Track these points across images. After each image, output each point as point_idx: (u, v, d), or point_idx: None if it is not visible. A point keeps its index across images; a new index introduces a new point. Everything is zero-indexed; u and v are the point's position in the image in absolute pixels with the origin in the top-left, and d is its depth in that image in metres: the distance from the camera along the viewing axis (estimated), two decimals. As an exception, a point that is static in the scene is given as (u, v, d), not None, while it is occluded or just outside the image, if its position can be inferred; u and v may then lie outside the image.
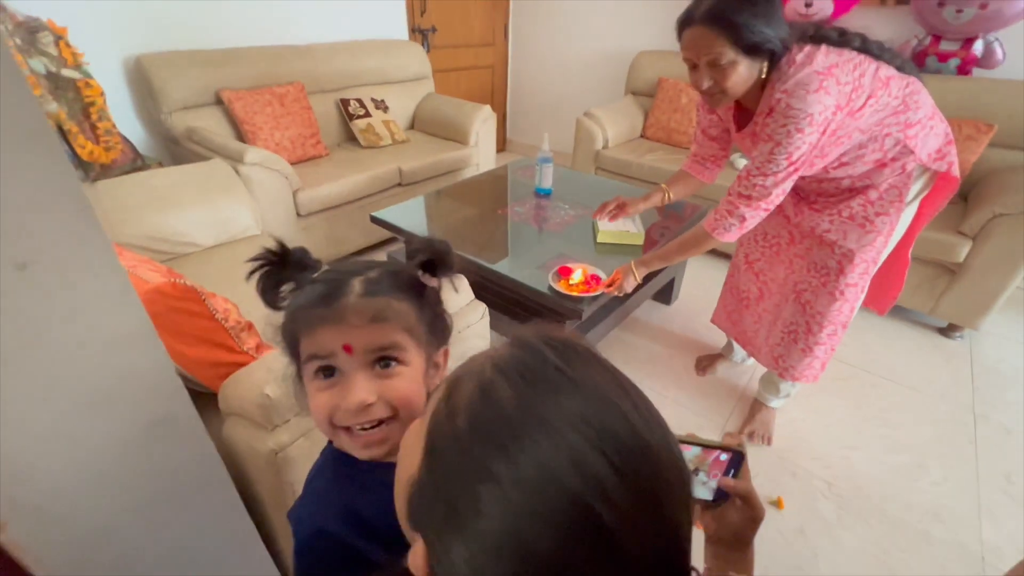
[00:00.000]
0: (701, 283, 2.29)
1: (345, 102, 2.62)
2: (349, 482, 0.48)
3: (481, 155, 2.80)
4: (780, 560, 1.22)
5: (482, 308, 1.07)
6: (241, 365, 0.86)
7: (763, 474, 1.42)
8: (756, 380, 1.68)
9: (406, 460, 0.33)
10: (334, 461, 0.51)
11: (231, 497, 0.62)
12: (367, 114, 2.63)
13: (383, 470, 0.45)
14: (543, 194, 2.00)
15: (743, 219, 1.09)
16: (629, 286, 1.30)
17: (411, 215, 1.86)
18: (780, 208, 1.33)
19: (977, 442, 1.51)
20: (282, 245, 0.47)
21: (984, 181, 1.99)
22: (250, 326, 0.99)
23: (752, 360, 1.77)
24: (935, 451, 1.49)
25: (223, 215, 1.71)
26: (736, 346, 1.72)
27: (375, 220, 1.83)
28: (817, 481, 1.40)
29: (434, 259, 0.49)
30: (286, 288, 0.47)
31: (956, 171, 1.09)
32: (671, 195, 1.46)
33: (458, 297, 1.05)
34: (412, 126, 3.00)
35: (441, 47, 3.34)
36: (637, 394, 0.30)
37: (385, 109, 2.73)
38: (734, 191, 1.10)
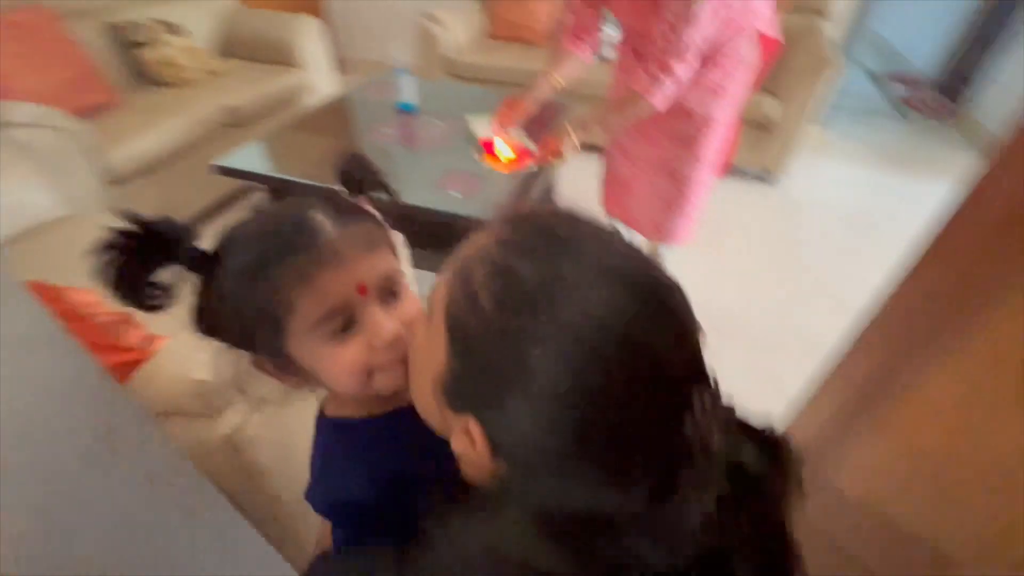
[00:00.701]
0: (576, 183, 2.41)
1: (119, 28, 2.05)
2: (364, 446, 0.45)
3: (320, 79, 2.46)
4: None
5: (399, 236, 1.01)
6: (133, 365, 0.73)
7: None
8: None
9: (425, 360, 0.34)
10: (336, 430, 0.46)
11: (218, 501, 0.55)
12: (159, 42, 2.11)
13: (388, 419, 0.45)
14: (407, 110, 1.86)
15: (678, 79, 1.12)
16: (569, 152, 1.23)
17: (260, 157, 1.62)
18: None
19: (802, 260, 1.94)
20: (137, 221, 0.35)
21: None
22: (127, 318, 0.83)
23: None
24: (774, 276, 1.88)
25: (6, 201, 1.32)
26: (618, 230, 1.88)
27: (221, 169, 1.56)
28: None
29: (363, 178, 0.46)
30: (163, 276, 0.36)
31: (780, 36, 1.25)
32: (560, 82, 1.36)
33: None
34: (224, 52, 2.49)
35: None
36: (623, 237, 0.33)
37: (182, 34, 2.21)
38: (659, 53, 1.10)
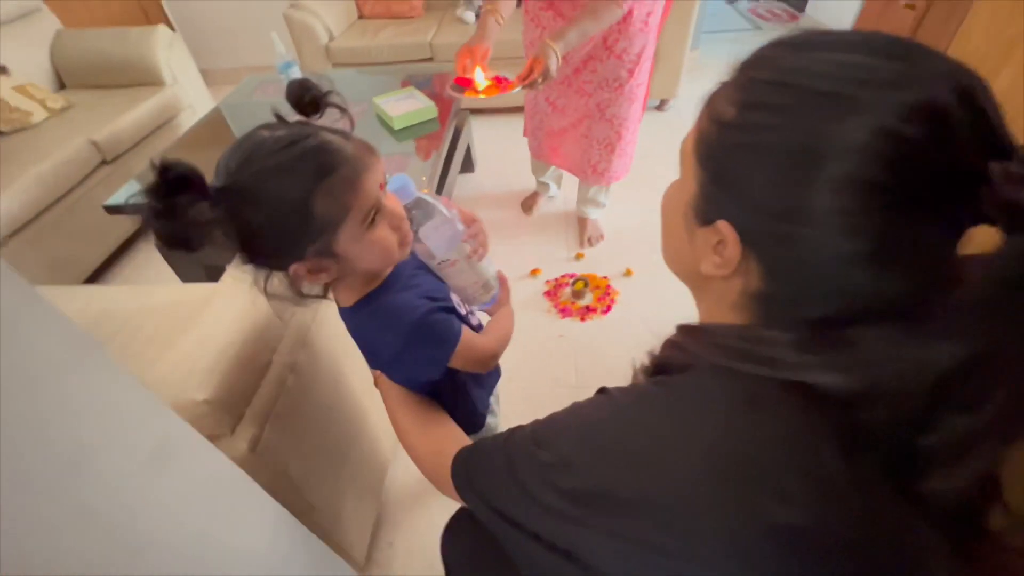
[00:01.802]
0: (490, 143, 2.42)
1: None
2: (404, 291, 0.57)
3: (190, 93, 2.23)
4: (644, 304, 1.60)
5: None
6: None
7: (609, 258, 1.76)
8: (572, 204, 1.97)
9: (675, 203, 0.39)
10: (368, 301, 0.56)
11: (272, 507, 0.53)
12: (-21, 85, 1.80)
13: (407, 268, 0.60)
14: (304, 106, 1.76)
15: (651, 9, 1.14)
16: (555, 66, 1.21)
17: (161, 185, 1.46)
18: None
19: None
20: (159, 166, 0.40)
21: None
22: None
23: (558, 193, 2.00)
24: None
25: None
26: (549, 183, 1.92)
27: (114, 209, 1.40)
28: (642, 245, 1.81)
29: (314, 98, 0.49)
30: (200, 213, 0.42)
31: None
32: (502, 17, 1.33)
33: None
34: (63, 84, 2.17)
35: (30, -39, 2.33)
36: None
37: (4, 71, 1.89)
38: None
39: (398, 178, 0.59)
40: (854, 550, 0.27)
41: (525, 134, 1.74)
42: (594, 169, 1.63)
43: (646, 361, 0.43)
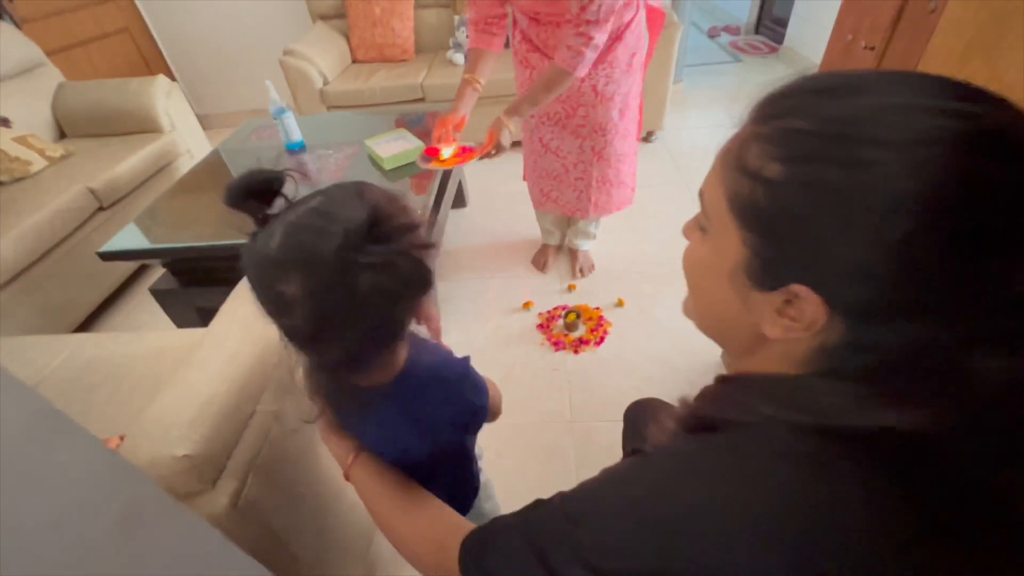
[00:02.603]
0: (482, 179, 2.47)
1: (-72, 132, 1.77)
2: (427, 355, 0.57)
3: (188, 139, 2.29)
4: (637, 335, 1.59)
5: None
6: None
7: (601, 289, 1.77)
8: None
9: (709, 266, 0.36)
10: (411, 370, 0.55)
11: (250, 565, 0.52)
12: (-19, 137, 1.85)
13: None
14: (297, 148, 1.80)
15: (597, 46, 1.17)
16: (507, 140, 1.27)
17: (153, 230, 1.48)
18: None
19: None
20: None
21: (626, 17, 2.56)
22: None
23: (556, 238, 1.95)
24: (682, 219, 2.05)
25: None
26: (555, 231, 1.89)
27: (108, 256, 1.41)
28: (633, 275, 1.82)
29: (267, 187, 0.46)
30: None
31: (662, 6, 1.38)
32: (480, 81, 1.37)
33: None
34: (63, 134, 2.23)
35: (38, 19, 2.44)
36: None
37: (6, 123, 1.95)
38: (578, 27, 1.15)
39: None
40: None
41: (525, 178, 1.75)
42: (595, 205, 1.63)
43: (680, 411, 0.39)
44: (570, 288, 1.80)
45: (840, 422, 0.29)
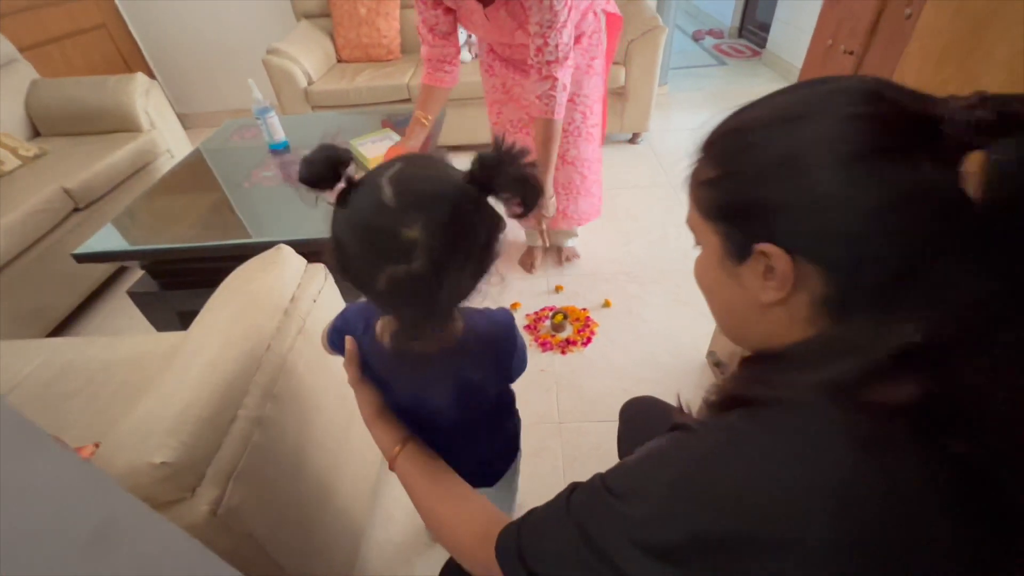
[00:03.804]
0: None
1: None
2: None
3: (168, 138, 2.24)
4: (624, 336, 1.60)
5: (322, 270, 0.98)
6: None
7: (588, 290, 1.78)
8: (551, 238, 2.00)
9: (705, 264, 0.41)
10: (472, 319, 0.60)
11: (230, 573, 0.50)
12: (-49, 135, 1.79)
13: None
14: (281, 149, 1.77)
15: (564, 85, 1.17)
16: (550, 210, 1.45)
17: (131, 231, 1.45)
18: (512, 95, 1.48)
19: (683, 200, 2.16)
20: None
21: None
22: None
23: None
24: (668, 220, 2.08)
25: None
26: (533, 233, 1.90)
27: (83, 257, 1.37)
28: (620, 276, 1.83)
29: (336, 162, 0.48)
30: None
31: (618, 11, 1.40)
32: (428, 118, 1.40)
33: (286, 272, 0.93)
34: (37, 133, 2.17)
35: (11, 14, 2.37)
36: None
37: (-25, 121, 1.89)
38: (539, 68, 1.15)
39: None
40: None
41: None
42: (564, 214, 1.66)
43: (711, 397, 0.40)
44: (557, 289, 1.80)
45: (867, 359, 0.31)
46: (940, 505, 0.29)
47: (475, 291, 0.52)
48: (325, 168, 0.46)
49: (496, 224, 0.49)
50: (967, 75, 0.56)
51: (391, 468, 0.60)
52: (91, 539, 0.36)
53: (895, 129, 0.30)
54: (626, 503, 0.35)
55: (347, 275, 0.48)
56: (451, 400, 0.62)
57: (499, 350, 0.63)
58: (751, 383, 0.37)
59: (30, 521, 0.33)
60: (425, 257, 0.43)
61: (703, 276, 0.43)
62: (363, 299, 0.53)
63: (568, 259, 1.91)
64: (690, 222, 0.42)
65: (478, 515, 0.52)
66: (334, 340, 0.66)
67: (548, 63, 1.15)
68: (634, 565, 0.33)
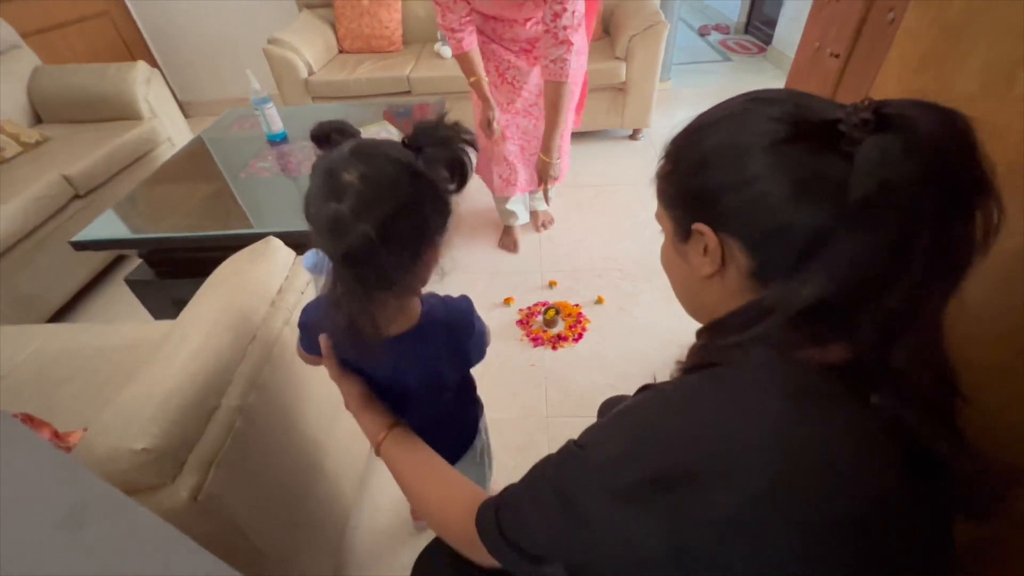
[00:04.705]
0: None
1: None
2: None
3: (169, 127, 2.25)
4: (615, 332, 1.61)
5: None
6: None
7: (582, 286, 1.78)
8: (545, 234, 2.02)
9: (665, 252, 0.49)
10: (429, 310, 0.65)
11: (205, 559, 0.52)
12: (-47, 121, 1.80)
13: None
14: (279, 140, 1.79)
15: (578, 50, 1.26)
16: (556, 172, 1.53)
17: (130, 219, 1.47)
18: (506, 78, 1.56)
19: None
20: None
21: (614, 14, 2.55)
22: (29, 417, 0.73)
23: (527, 217, 2.02)
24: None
25: None
26: (516, 211, 1.93)
27: (81, 245, 1.39)
28: (614, 273, 1.83)
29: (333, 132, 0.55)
30: None
31: None
32: (482, 77, 1.51)
33: (275, 264, 0.94)
34: (39, 120, 2.18)
35: (14, 0, 2.37)
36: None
37: (-23, 107, 1.91)
38: (556, 32, 1.24)
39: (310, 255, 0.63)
40: (900, 536, 0.32)
41: (477, 171, 1.81)
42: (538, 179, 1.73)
43: (675, 371, 0.46)
44: (551, 284, 1.81)
45: (783, 316, 0.36)
46: (870, 450, 0.33)
47: (423, 266, 0.56)
48: (328, 130, 0.53)
49: (437, 194, 0.53)
50: (943, 83, 0.56)
51: (377, 453, 0.63)
52: (62, 521, 0.38)
53: (804, 129, 0.35)
54: (594, 450, 0.39)
55: (307, 216, 0.52)
56: (416, 382, 0.65)
57: (457, 335, 0.66)
58: (702, 349, 0.43)
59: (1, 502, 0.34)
60: (353, 197, 0.48)
61: (664, 259, 0.50)
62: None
63: (544, 225, 1.99)
64: (656, 214, 0.48)
65: (461, 494, 0.54)
66: (305, 342, 0.68)
67: (565, 28, 1.24)
68: (602, 511, 0.36)
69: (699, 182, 0.40)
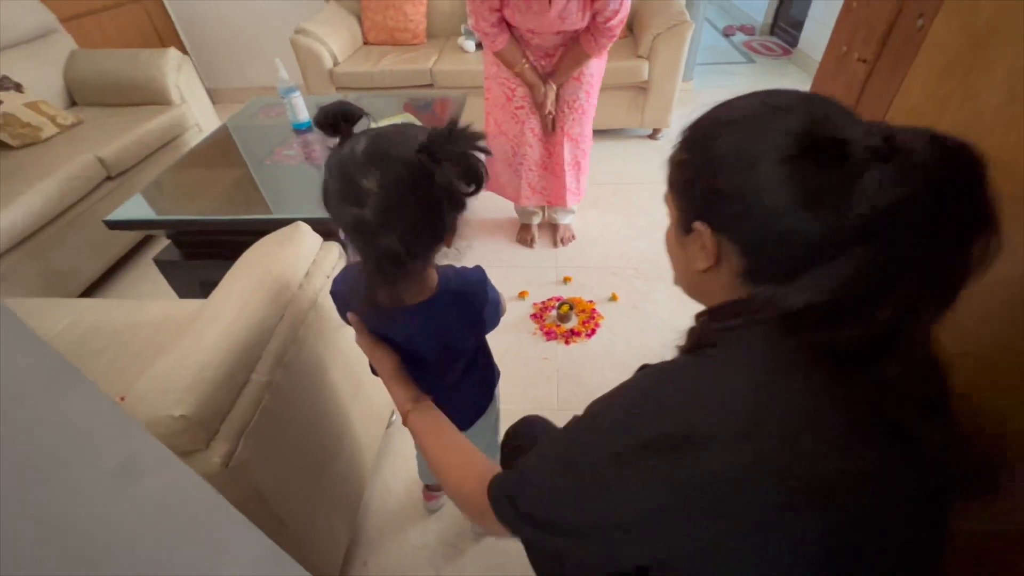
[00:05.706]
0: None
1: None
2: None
3: (197, 113, 2.31)
4: (628, 330, 1.62)
5: (337, 248, 1.02)
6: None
7: (596, 283, 1.80)
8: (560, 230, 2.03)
9: (668, 239, 0.51)
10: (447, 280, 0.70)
11: (239, 522, 0.55)
12: (-7, 101, 1.87)
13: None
14: (304, 128, 1.82)
15: (621, 34, 1.39)
16: (550, 100, 1.55)
17: (159, 201, 1.51)
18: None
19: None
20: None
21: (639, 13, 2.54)
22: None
23: (539, 218, 2.04)
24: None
25: None
26: (534, 211, 1.96)
27: (114, 224, 1.44)
28: (628, 271, 1.84)
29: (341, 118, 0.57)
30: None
31: None
32: (525, 62, 1.54)
33: (302, 248, 0.97)
34: (74, 102, 2.25)
35: (52, -15, 2.44)
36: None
37: (18, 88, 1.97)
38: (608, 31, 1.34)
39: None
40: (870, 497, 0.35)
41: (491, 188, 1.83)
42: (569, 193, 1.76)
43: (676, 353, 0.49)
44: (565, 280, 1.82)
45: (767, 315, 0.38)
46: (849, 423, 0.35)
47: (439, 250, 0.59)
48: (333, 117, 0.55)
49: (451, 193, 0.54)
50: (967, 91, 0.57)
51: (404, 423, 0.68)
52: (116, 471, 0.41)
53: (814, 146, 0.36)
54: (595, 419, 0.44)
55: (327, 207, 0.55)
56: (433, 349, 0.70)
57: (472, 303, 0.71)
58: (697, 332, 0.47)
59: (63, 450, 0.37)
60: (374, 206, 0.51)
61: (668, 241, 0.52)
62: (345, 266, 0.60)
63: (563, 240, 1.97)
64: (664, 196, 0.50)
65: (478, 465, 0.58)
66: (339, 310, 0.73)
67: (618, 12, 1.32)
68: (607, 473, 0.39)
69: (706, 182, 0.42)
